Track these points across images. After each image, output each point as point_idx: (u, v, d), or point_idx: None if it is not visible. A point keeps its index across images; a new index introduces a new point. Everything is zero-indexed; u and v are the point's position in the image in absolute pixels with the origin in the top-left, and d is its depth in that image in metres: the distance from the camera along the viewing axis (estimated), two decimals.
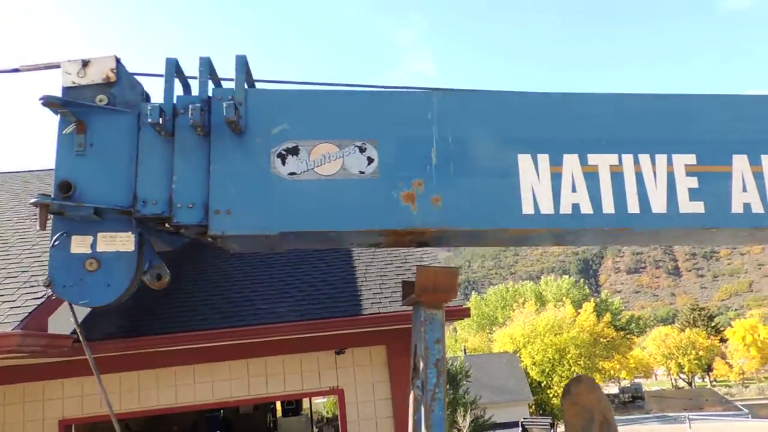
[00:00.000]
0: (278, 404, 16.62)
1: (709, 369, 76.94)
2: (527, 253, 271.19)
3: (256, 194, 2.53)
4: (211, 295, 8.05)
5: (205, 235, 2.61)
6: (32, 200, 2.44)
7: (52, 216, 2.51)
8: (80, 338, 2.62)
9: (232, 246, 2.73)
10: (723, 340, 79.72)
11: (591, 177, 2.62)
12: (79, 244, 2.55)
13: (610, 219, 2.58)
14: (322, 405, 27.07)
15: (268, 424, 16.15)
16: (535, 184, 2.60)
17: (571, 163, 2.63)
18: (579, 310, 51.31)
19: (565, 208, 2.58)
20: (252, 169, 2.55)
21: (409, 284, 2.92)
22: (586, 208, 2.59)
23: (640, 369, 71.25)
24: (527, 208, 2.57)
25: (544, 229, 2.58)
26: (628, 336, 58.70)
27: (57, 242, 2.52)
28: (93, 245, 2.54)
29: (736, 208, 2.64)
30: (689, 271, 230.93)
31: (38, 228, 2.46)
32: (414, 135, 2.62)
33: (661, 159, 2.64)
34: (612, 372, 55.10)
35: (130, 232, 2.56)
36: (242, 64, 2.64)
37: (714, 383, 79.01)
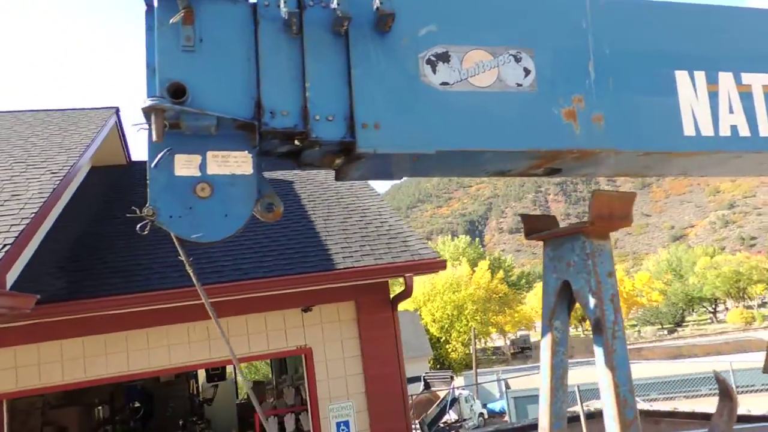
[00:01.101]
0: (202, 371, 15.82)
1: (583, 319, 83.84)
2: (417, 215, 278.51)
3: (406, 105, 2.13)
4: (169, 252, 7.29)
5: (343, 155, 2.18)
6: (145, 104, 1.89)
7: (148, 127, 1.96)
8: (193, 280, 2.10)
9: (363, 171, 2.30)
10: None
11: (746, 97, 2.46)
12: (185, 165, 2.03)
13: (766, 143, 2.44)
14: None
15: (191, 391, 15.35)
16: (693, 103, 2.39)
17: (726, 81, 2.44)
18: (475, 269, 53.55)
19: (725, 130, 2.41)
20: (399, 76, 2.14)
21: (534, 217, 2.65)
22: (744, 131, 2.43)
23: (524, 322, 76.16)
24: (688, 130, 2.37)
25: (705, 152, 2.39)
26: (519, 291, 62.32)
27: (159, 161, 1.99)
28: (202, 167, 2.03)
29: None
30: None
31: (154, 139, 1.91)
32: (570, 45, 2.32)
33: None
34: (503, 325, 58.34)
35: (246, 151, 2.07)
36: None
37: (587, 332, 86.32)
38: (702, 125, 2.38)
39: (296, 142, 2.15)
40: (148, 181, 2.03)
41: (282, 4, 2.00)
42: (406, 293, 7.55)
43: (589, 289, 2.23)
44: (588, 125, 2.26)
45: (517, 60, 2.25)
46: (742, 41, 2.50)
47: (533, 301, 79.48)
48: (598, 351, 2.21)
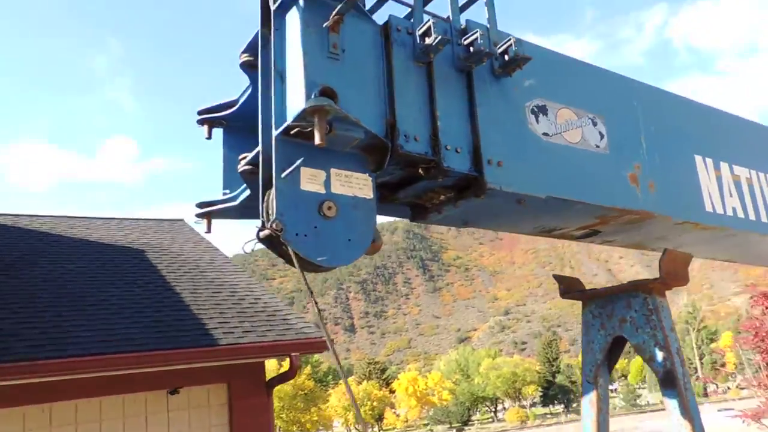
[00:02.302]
0: None
1: (380, 418, 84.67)
2: None
3: (520, 149, 2.20)
4: (20, 322, 6.06)
5: (453, 191, 2.14)
6: (309, 104, 1.72)
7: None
8: (317, 313, 1.81)
9: (461, 213, 2.27)
10: (392, 392, 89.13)
11: (737, 185, 2.93)
12: (310, 180, 1.85)
13: (760, 225, 2.90)
14: None
15: None
16: (708, 183, 2.78)
17: (725, 170, 2.89)
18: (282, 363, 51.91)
19: (729, 210, 2.82)
20: (513, 120, 2.22)
21: (567, 278, 2.76)
22: (740, 213, 2.86)
23: (321, 421, 74.44)
24: (708, 206, 2.73)
25: (718, 226, 2.76)
26: (325, 388, 61.34)
27: (287, 173, 1.79)
28: (327, 184, 1.85)
29: None
30: (362, 328, 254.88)
31: (317, 141, 1.70)
32: (629, 117, 2.59)
33: None
34: (309, 425, 56.41)
35: (367, 174, 1.94)
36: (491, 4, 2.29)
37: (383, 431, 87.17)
38: (715, 203, 2.76)
39: (420, 170, 2.08)
40: (275, 192, 1.78)
41: (431, 38, 1.98)
42: (290, 374, 7.09)
43: (655, 343, 2.36)
44: (646, 191, 2.50)
45: (594, 123, 2.45)
46: (736, 140, 3.02)
47: (333, 398, 78.55)
48: (672, 403, 2.32)
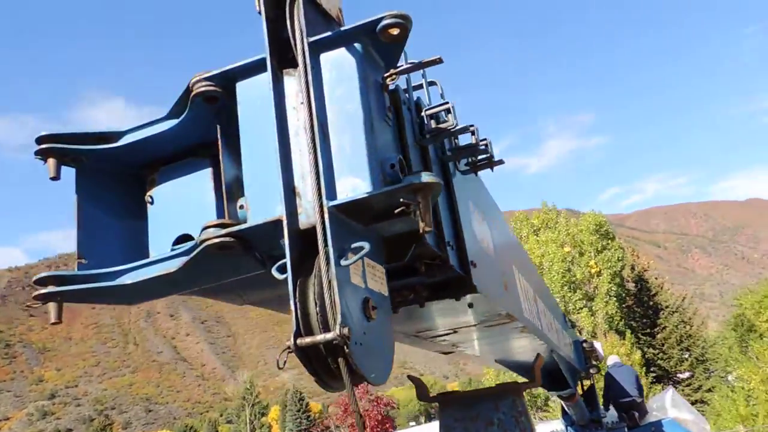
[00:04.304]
0: None
1: None
2: None
3: (484, 250, 2.23)
4: None
5: (428, 291, 2.03)
6: (424, 178, 1.51)
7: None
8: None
9: (431, 317, 2.15)
10: None
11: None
12: (356, 272, 1.54)
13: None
14: None
15: None
16: (522, 293, 3.31)
17: (523, 280, 3.48)
18: None
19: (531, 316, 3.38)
20: (472, 219, 2.26)
21: (422, 382, 2.83)
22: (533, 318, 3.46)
23: None
24: (525, 311, 3.23)
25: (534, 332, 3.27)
26: None
27: (351, 262, 1.50)
28: (363, 276, 1.60)
29: None
30: None
31: (424, 227, 1.48)
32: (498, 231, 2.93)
33: None
34: None
35: (383, 266, 1.75)
36: None
37: None
38: (527, 310, 3.27)
39: (421, 265, 1.90)
40: (335, 286, 1.40)
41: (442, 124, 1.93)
42: None
43: None
44: (507, 293, 2.81)
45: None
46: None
47: None
48: None
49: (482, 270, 2.22)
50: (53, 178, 1.89)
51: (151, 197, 2.04)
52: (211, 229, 1.63)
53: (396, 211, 1.50)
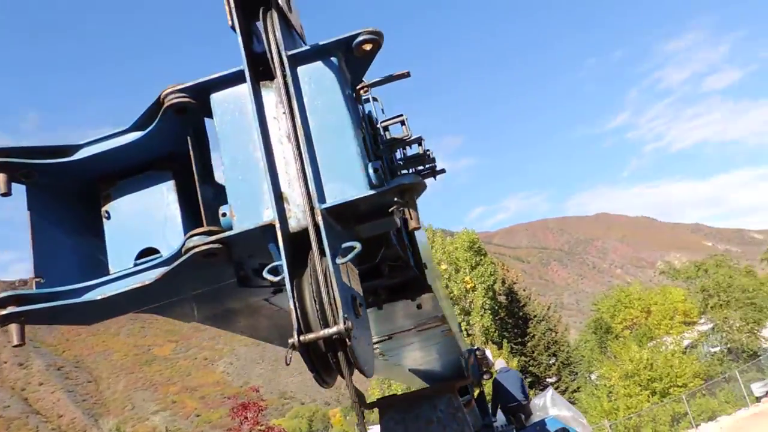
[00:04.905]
0: None
1: None
2: None
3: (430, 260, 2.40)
4: None
5: (392, 293, 2.19)
6: (410, 180, 1.67)
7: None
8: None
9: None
10: None
11: None
12: (343, 271, 1.67)
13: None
14: None
15: None
16: None
17: None
18: None
19: None
20: None
21: (361, 394, 2.94)
22: None
23: None
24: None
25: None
26: None
27: (346, 260, 1.63)
28: (348, 277, 1.73)
29: None
30: None
31: (414, 225, 1.63)
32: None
33: None
34: None
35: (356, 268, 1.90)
36: None
37: None
38: None
39: (385, 266, 2.03)
40: (329, 281, 1.51)
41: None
42: None
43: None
44: None
45: None
46: None
47: None
48: None
49: (430, 273, 2.38)
50: (3, 194, 1.80)
51: (107, 212, 1.99)
52: (196, 237, 1.65)
53: (390, 210, 1.62)
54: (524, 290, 45.64)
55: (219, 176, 1.98)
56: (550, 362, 40.96)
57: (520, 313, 41.79)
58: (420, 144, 2.22)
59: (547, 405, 11.83)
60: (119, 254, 1.93)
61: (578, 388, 37.50)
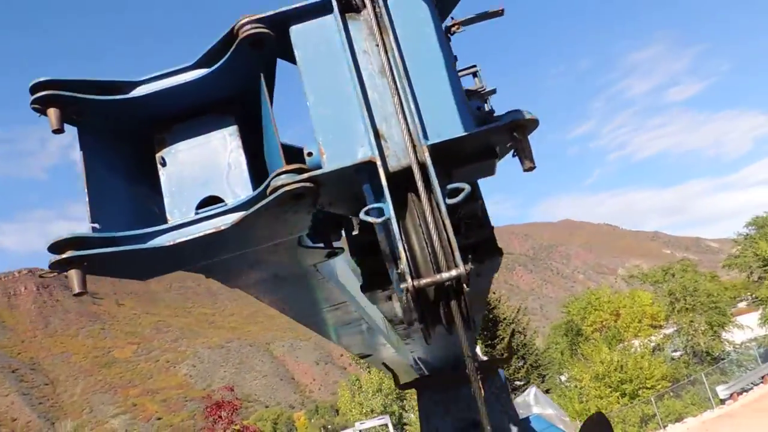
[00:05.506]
0: None
1: None
2: None
3: None
4: None
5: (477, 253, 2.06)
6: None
7: None
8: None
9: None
10: None
11: None
12: None
13: None
14: None
15: None
16: None
17: None
18: None
19: None
20: None
21: (395, 374, 2.81)
22: None
23: None
24: None
25: None
26: None
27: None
28: None
29: None
30: None
31: (528, 165, 1.52)
32: None
33: None
34: None
35: None
36: None
37: None
38: None
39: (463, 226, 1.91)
40: (443, 223, 1.40)
41: None
42: None
43: (508, 418, 2.61)
44: None
45: None
46: None
47: None
48: None
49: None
50: (56, 131, 1.62)
51: (162, 158, 1.81)
52: (285, 176, 1.49)
53: (497, 149, 1.50)
54: (494, 293, 45.96)
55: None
56: (519, 365, 41.30)
57: (491, 316, 42.03)
58: (489, 97, 2.10)
59: (530, 403, 11.91)
60: (178, 203, 1.76)
61: (548, 390, 37.89)
